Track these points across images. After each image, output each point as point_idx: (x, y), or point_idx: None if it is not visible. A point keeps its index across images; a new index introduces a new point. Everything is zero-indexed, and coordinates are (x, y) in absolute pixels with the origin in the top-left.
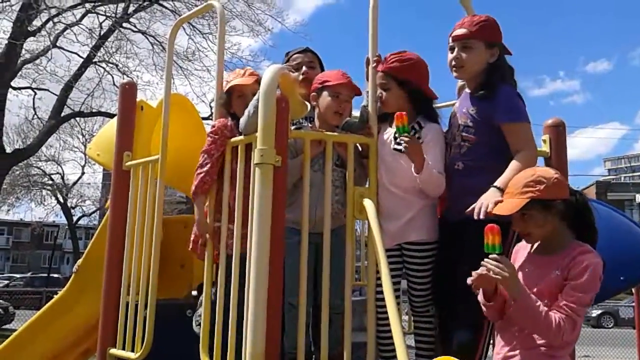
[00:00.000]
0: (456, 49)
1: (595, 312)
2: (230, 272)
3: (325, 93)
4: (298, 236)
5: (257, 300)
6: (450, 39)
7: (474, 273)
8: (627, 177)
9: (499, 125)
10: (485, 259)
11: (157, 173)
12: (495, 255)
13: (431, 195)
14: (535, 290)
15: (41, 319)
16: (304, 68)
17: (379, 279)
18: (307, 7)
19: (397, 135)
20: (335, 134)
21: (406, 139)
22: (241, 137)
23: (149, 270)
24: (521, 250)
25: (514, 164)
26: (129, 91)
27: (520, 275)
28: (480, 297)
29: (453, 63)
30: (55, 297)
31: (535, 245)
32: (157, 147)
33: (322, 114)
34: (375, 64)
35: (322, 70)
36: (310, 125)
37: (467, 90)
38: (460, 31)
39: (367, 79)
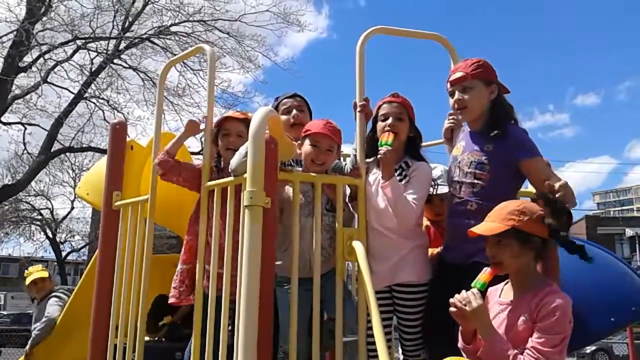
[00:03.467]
0: (456, 93)
1: (589, 349)
2: (219, 315)
3: (307, 141)
4: (295, 285)
5: (246, 347)
6: (449, 85)
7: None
8: (616, 212)
9: (516, 163)
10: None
11: (147, 213)
12: (470, 291)
13: (402, 222)
14: (508, 336)
15: None
16: (294, 112)
17: (369, 321)
18: (299, 41)
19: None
20: (324, 175)
21: (384, 149)
22: (230, 178)
23: (138, 311)
24: (491, 298)
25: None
26: (119, 131)
27: (494, 322)
28: (460, 343)
29: (456, 106)
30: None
31: (505, 289)
32: (147, 186)
33: (304, 162)
34: (361, 108)
35: (310, 113)
36: (299, 168)
37: (468, 128)
38: (457, 75)
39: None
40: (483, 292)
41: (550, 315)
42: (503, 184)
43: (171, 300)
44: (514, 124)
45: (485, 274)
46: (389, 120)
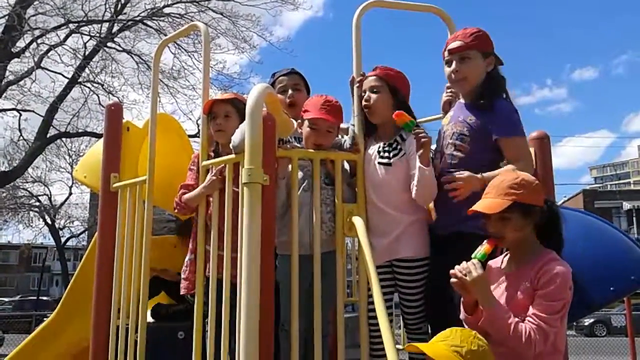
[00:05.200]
0: (454, 62)
1: (587, 321)
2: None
3: (305, 123)
4: (296, 261)
5: (249, 325)
6: (447, 53)
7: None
8: (613, 185)
9: (495, 139)
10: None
11: (145, 194)
12: (471, 261)
13: (425, 201)
14: (510, 306)
15: (30, 344)
16: (289, 91)
17: (370, 296)
18: (295, 19)
19: (405, 131)
20: (322, 151)
21: (420, 131)
22: (230, 156)
23: (139, 292)
24: (492, 269)
25: (507, 168)
26: (114, 112)
27: (495, 293)
28: (462, 315)
29: (453, 76)
30: (45, 321)
31: (505, 260)
32: (144, 168)
33: (304, 144)
34: (359, 83)
35: (308, 91)
36: (300, 145)
37: (462, 100)
38: (456, 44)
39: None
40: (484, 263)
41: (550, 282)
42: (480, 157)
43: (182, 292)
44: (505, 99)
45: (485, 245)
46: (366, 95)
